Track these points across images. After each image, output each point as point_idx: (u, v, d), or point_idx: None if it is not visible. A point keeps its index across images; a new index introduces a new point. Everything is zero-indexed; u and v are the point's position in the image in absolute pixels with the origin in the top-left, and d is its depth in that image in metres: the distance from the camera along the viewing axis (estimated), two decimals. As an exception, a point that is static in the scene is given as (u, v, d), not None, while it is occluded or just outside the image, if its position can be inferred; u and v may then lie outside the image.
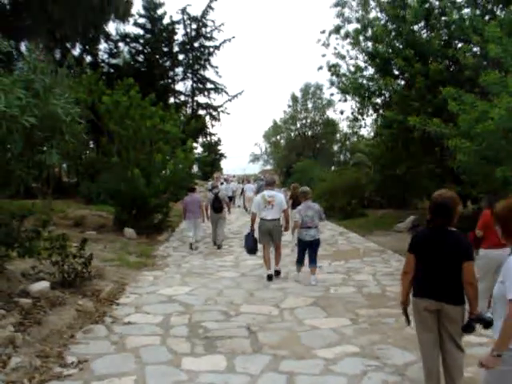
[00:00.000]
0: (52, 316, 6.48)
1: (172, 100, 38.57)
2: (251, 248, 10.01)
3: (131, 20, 34.59)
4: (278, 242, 9.99)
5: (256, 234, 9.99)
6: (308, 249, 9.44)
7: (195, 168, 25.78)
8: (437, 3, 16.14)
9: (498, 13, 14.95)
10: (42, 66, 6.24)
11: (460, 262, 3.96)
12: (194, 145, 25.11)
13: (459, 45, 15.66)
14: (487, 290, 6.09)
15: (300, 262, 9.63)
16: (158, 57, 37.86)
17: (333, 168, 42.63)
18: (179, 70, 40.80)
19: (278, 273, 9.94)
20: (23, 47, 23.58)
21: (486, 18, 14.74)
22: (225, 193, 16.42)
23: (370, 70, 18.57)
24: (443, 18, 15.84)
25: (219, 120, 41.89)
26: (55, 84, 6.26)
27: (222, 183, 27.82)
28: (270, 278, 9.66)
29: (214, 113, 41.87)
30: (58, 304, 6.97)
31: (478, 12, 15.07)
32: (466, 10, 15.72)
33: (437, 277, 4.10)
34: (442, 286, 4.08)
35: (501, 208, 3.31)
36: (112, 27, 32.35)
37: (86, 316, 6.89)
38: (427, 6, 16.00)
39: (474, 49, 14.73)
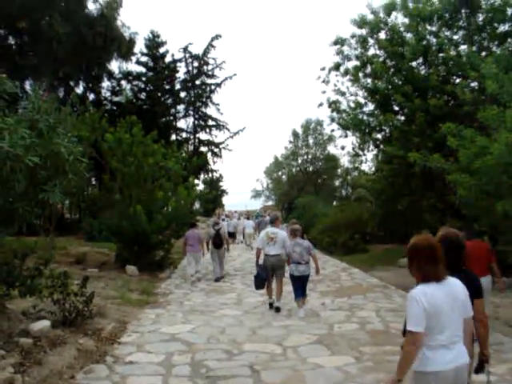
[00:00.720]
0: (52, 356, 6.41)
1: (174, 137, 38.99)
2: (258, 284, 10.42)
3: (134, 58, 35.26)
4: (280, 277, 10.25)
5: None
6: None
7: (197, 205, 25.79)
8: (434, 40, 16.43)
9: (494, 49, 15.22)
10: (46, 106, 6.33)
11: (471, 300, 3.88)
12: (196, 181, 25.22)
13: (457, 80, 15.90)
14: None
15: (297, 296, 9.91)
16: (159, 94, 38.39)
17: (334, 203, 42.64)
18: (181, 107, 41.47)
19: (277, 309, 10.08)
20: (27, 85, 24.01)
21: (483, 54, 15.00)
22: (226, 230, 16.96)
23: (370, 106, 18.80)
24: (441, 55, 16.10)
25: (221, 157, 42.31)
26: (59, 123, 6.35)
27: (223, 219, 27.83)
28: (271, 306, 10.25)
29: (216, 149, 42.29)
30: (58, 343, 6.90)
31: (474, 48, 15.35)
32: (463, 47, 16.03)
33: None
34: None
35: (408, 245, 3.53)
36: (115, 65, 32.86)
37: (86, 355, 6.81)
38: (425, 43, 16.29)
39: (472, 84, 14.94)
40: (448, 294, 3.33)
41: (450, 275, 3.88)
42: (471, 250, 6.45)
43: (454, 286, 3.43)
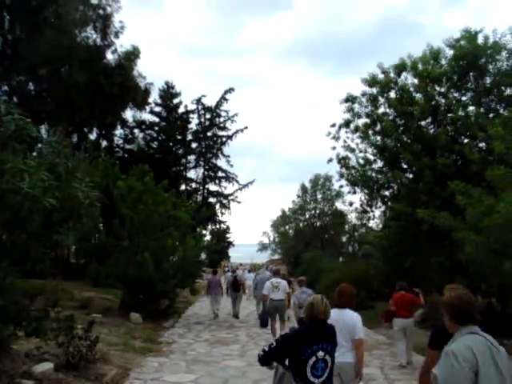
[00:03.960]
0: (55, 399, 6.36)
1: (183, 187, 39.12)
2: (264, 322, 12.05)
3: (148, 108, 35.70)
4: (283, 318, 12.37)
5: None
6: None
7: (203, 255, 25.77)
8: (443, 101, 16.81)
9: (502, 111, 15.55)
10: (66, 150, 6.53)
11: None
12: (203, 232, 25.22)
13: (465, 140, 16.15)
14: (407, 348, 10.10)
15: None
16: (171, 144, 38.87)
17: (341, 259, 42.37)
18: (191, 157, 41.83)
19: None
20: (43, 130, 24.49)
21: (490, 115, 15.31)
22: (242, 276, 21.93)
23: (379, 163, 19.04)
24: (449, 115, 16.43)
25: (229, 208, 42.28)
26: (77, 168, 6.53)
27: (228, 271, 28.38)
28: None
29: (225, 201, 42.32)
30: (60, 387, 6.85)
31: (482, 110, 15.68)
32: (471, 108, 16.37)
33: None
34: None
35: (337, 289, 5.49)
36: (129, 114, 33.22)
37: (88, 400, 6.75)
38: (433, 103, 16.65)
39: (480, 144, 15.19)
40: (340, 317, 5.05)
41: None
42: (398, 300, 10.51)
43: (346, 315, 5.21)
